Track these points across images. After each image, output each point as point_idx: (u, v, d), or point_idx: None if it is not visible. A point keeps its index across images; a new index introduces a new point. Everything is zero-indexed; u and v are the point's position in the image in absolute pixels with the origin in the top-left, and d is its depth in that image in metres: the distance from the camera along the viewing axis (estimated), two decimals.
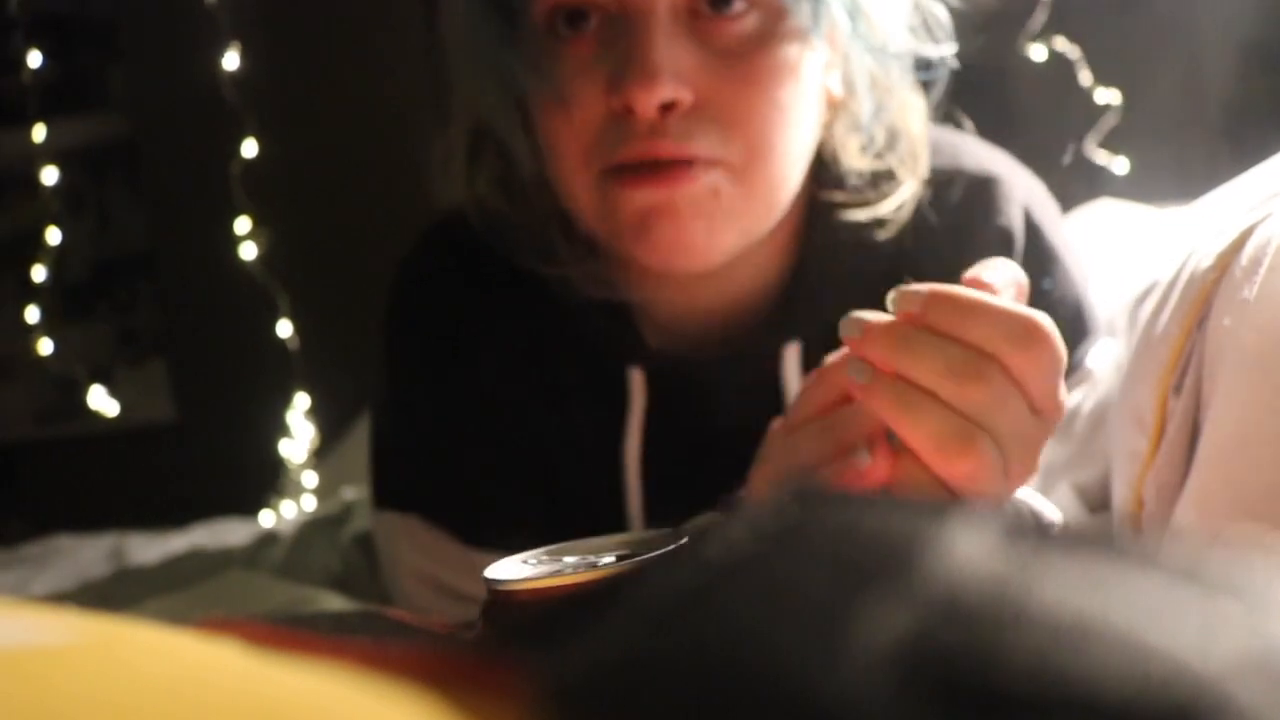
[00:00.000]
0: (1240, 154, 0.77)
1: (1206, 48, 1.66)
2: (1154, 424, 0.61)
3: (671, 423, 0.73)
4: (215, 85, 1.78)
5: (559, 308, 0.73)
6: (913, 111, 0.70)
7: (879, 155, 0.70)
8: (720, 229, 0.64)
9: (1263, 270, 0.55)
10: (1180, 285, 0.62)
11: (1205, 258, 0.60)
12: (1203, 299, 0.59)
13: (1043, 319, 0.46)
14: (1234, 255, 0.58)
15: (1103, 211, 1.00)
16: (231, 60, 1.78)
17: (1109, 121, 1.30)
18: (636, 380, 0.73)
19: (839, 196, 0.70)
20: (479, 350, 0.76)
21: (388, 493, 0.79)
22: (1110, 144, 1.35)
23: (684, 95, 0.61)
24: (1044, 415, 0.48)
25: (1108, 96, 1.33)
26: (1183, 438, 0.59)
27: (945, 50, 0.69)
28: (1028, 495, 0.66)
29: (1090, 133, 1.32)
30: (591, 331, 0.73)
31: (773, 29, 0.63)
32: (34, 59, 1.94)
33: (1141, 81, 1.63)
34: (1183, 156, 1.58)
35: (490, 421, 0.76)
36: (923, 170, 0.70)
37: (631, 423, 0.73)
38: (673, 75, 0.60)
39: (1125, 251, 0.86)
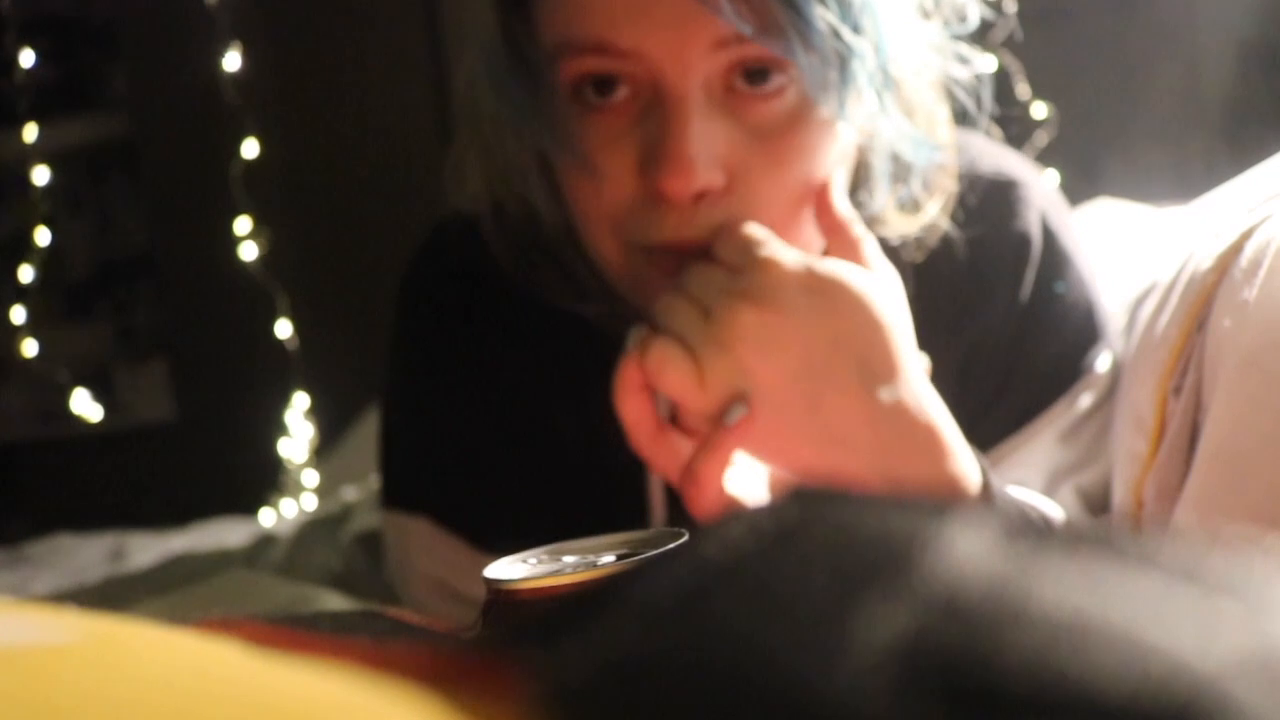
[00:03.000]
0: (1239, 154, 0.77)
1: (1205, 48, 1.66)
2: (1154, 425, 0.61)
3: None
4: (215, 85, 1.78)
5: (581, 314, 0.72)
6: (938, 130, 0.69)
7: (903, 180, 0.69)
8: None
9: (1263, 272, 0.55)
10: (1180, 287, 0.62)
11: (1205, 259, 0.61)
12: (1202, 300, 0.59)
13: None
14: (1234, 257, 0.58)
15: (1101, 211, 1.00)
16: (232, 61, 1.78)
17: (1044, 135, 1.31)
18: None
19: (865, 215, 0.69)
20: (494, 352, 0.75)
21: (397, 494, 0.78)
22: (1111, 144, 1.35)
23: (717, 181, 0.60)
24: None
25: (1043, 110, 1.34)
26: (1182, 439, 0.59)
27: (979, 95, 0.68)
28: (1030, 496, 0.66)
29: (1025, 146, 1.33)
30: (615, 340, 0.72)
31: (806, 104, 0.61)
32: (26, 59, 1.93)
33: (1140, 81, 1.63)
34: (1181, 156, 1.58)
35: (505, 425, 0.75)
36: (948, 188, 0.70)
37: None
38: (707, 162, 0.59)
39: (1124, 251, 0.86)
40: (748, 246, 0.58)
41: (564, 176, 0.65)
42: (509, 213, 0.72)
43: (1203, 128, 1.66)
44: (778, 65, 0.60)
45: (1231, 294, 0.57)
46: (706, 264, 0.58)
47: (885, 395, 0.57)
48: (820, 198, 0.62)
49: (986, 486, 0.59)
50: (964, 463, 0.58)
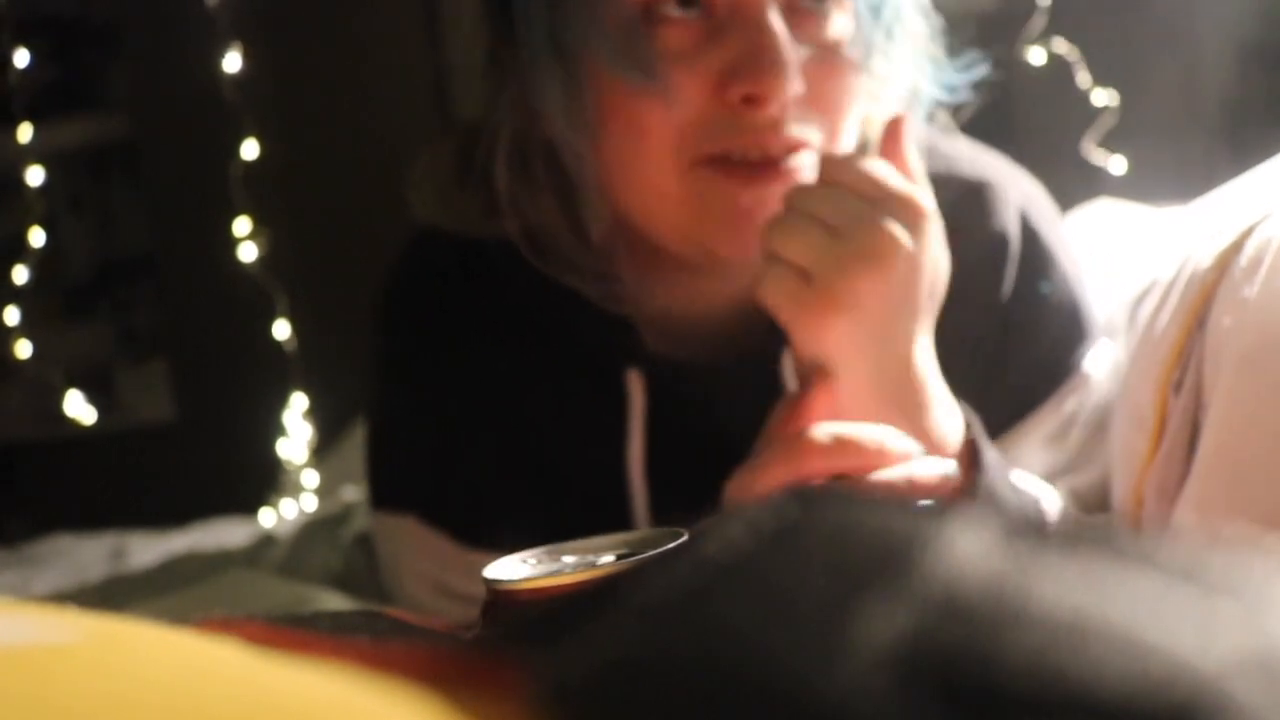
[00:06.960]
0: (1239, 154, 0.77)
1: (1205, 48, 1.66)
2: (1154, 423, 0.61)
3: (675, 426, 0.73)
4: (215, 85, 1.77)
5: (555, 309, 0.72)
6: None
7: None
8: None
9: (1263, 270, 0.55)
10: (1180, 285, 0.62)
11: (1205, 258, 0.61)
12: (1203, 299, 0.59)
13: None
14: (1234, 255, 0.58)
15: (1101, 211, 1.00)
16: (232, 61, 1.78)
17: (1106, 122, 1.31)
18: (635, 383, 0.72)
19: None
20: (474, 350, 0.76)
21: (385, 493, 0.79)
22: (1109, 144, 1.35)
23: (802, 88, 0.63)
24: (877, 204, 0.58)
25: (1105, 98, 1.34)
26: (1183, 437, 0.59)
27: (965, 69, 0.71)
28: (1029, 484, 0.66)
29: (1088, 133, 1.33)
30: (588, 334, 0.73)
31: (847, 29, 0.65)
32: (20, 59, 1.93)
33: (1140, 81, 1.63)
34: (1181, 156, 1.58)
35: (487, 422, 0.75)
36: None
37: (632, 426, 0.73)
38: (794, 69, 0.62)
39: (1124, 251, 0.86)
40: (868, 173, 0.60)
41: (618, 102, 0.66)
42: (519, 168, 0.72)
43: (1203, 128, 1.66)
44: None
45: (1232, 292, 0.57)
46: (825, 186, 0.61)
47: (922, 348, 0.61)
48: (893, 137, 0.64)
49: (972, 445, 0.61)
50: (944, 419, 0.61)
